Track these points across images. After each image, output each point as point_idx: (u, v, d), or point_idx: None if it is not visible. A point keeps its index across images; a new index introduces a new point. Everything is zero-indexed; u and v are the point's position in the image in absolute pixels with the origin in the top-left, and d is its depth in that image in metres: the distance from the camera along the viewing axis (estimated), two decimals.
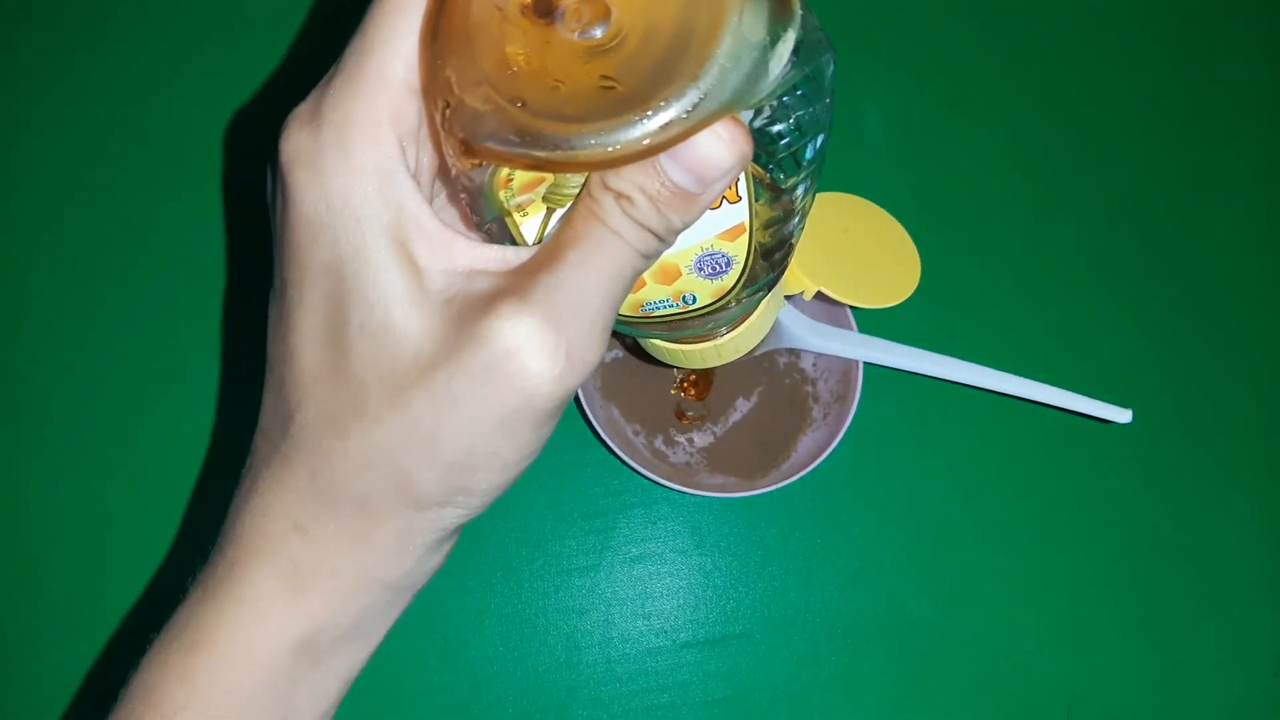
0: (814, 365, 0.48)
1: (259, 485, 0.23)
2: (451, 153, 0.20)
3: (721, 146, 0.19)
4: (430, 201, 0.22)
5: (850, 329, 0.43)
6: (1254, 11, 0.56)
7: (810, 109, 0.20)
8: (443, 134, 0.20)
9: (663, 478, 0.42)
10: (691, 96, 0.18)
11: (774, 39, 0.18)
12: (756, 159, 0.21)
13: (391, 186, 0.21)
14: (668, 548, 0.48)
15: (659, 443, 0.48)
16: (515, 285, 0.21)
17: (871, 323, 0.44)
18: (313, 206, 0.21)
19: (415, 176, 0.21)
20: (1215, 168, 0.54)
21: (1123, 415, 0.39)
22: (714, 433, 0.48)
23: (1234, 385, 0.52)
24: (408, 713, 0.46)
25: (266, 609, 0.23)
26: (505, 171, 0.20)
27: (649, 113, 0.17)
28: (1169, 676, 0.48)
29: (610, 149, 0.18)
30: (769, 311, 0.31)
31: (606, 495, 0.48)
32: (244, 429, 0.25)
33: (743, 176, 0.21)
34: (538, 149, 0.18)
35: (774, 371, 0.49)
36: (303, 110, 0.21)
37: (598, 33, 0.18)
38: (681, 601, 0.48)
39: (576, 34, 0.18)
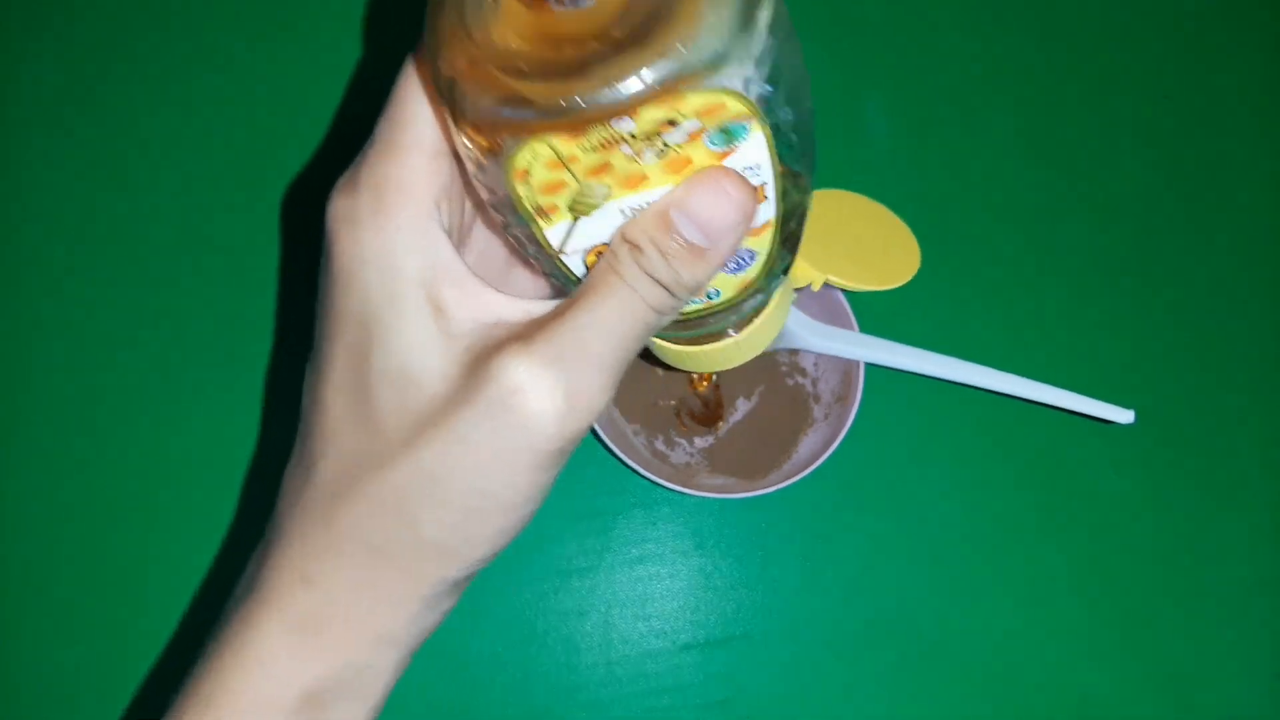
0: (815, 365, 0.48)
1: (278, 538, 0.24)
2: (467, 141, 0.20)
3: (726, 202, 0.20)
4: (462, 254, 0.23)
5: (852, 329, 0.43)
6: (1261, 12, 0.56)
7: (792, 63, 0.20)
8: (453, 126, 0.20)
9: (663, 478, 0.42)
10: (692, 29, 0.18)
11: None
12: (777, 142, 0.21)
13: (424, 238, 0.22)
14: (668, 549, 0.48)
15: (659, 443, 0.47)
16: (526, 331, 0.22)
17: (872, 323, 0.44)
18: (348, 261, 0.22)
19: (448, 231, 0.22)
20: (1220, 167, 0.54)
21: (1124, 416, 0.39)
22: (714, 433, 0.48)
23: (1236, 386, 0.52)
24: (408, 713, 0.45)
25: (275, 663, 0.23)
26: (522, 164, 0.20)
27: (652, 54, 0.18)
28: (1169, 677, 0.48)
29: (614, 94, 0.18)
30: (784, 301, 0.31)
31: (606, 495, 0.48)
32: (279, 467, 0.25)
33: (770, 172, 0.21)
34: (547, 109, 0.18)
35: (774, 371, 0.48)
36: (343, 180, 0.23)
37: (587, 2, 0.19)
38: (681, 603, 0.48)
39: (568, 4, 0.19)
